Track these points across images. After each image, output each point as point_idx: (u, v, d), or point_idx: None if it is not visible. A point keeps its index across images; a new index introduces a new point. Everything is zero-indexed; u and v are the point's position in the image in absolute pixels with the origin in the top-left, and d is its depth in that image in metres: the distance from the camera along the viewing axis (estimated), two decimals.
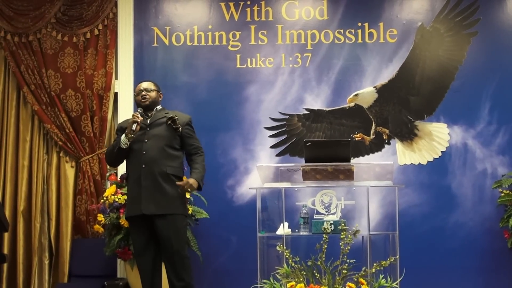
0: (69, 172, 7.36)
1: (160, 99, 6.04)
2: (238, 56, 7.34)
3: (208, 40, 7.37)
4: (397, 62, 7.23)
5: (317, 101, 7.27)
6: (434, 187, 7.15)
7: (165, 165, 5.72)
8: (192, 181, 5.69)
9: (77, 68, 7.33)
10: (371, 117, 7.24)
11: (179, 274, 5.63)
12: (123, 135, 5.77)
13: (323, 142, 6.77)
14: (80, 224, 7.30)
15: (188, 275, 5.66)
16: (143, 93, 5.91)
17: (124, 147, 5.78)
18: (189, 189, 5.75)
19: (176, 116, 5.83)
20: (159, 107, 6.00)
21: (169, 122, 5.79)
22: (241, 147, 7.23)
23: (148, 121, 5.86)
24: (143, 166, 5.72)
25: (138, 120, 5.73)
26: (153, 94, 5.95)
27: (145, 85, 5.97)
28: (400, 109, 7.23)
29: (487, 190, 7.12)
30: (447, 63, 7.22)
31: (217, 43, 7.36)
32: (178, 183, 5.69)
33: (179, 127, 5.82)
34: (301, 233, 6.28)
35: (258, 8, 7.36)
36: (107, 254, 6.72)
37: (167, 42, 7.38)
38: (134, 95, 6.07)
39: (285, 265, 5.70)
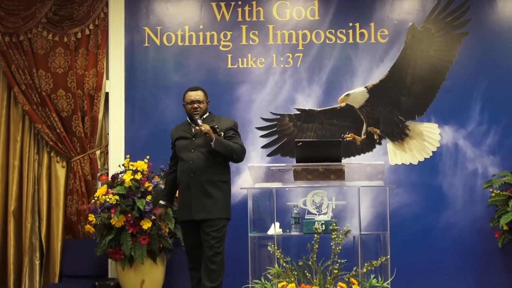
0: (60, 172, 7.35)
1: (207, 107, 6.30)
2: (229, 56, 7.34)
3: (199, 40, 7.37)
4: (388, 62, 7.24)
5: (308, 101, 7.27)
6: (425, 187, 7.16)
7: (212, 173, 6.05)
8: (208, 129, 5.97)
9: (68, 68, 7.31)
10: (362, 117, 7.24)
11: (212, 276, 5.92)
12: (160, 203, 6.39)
13: (314, 142, 6.78)
14: (71, 224, 7.29)
15: (221, 277, 6.00)
16: (195, 105, 6.20)
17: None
18: (203, 129, 5.97)
19: (216, 125, 6.05)
20: (206, 115, 6.26)
21: (206, 134, 6.00)
22: None
23: (193, 131, 6.17)
24: (192, 175, 6.07)
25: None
26: (203, 105, 6.25)
27: (196, 95, 6.25)
28: (391, 109, 7.24)
29: (477, 190, 7.14)
30: (438, 63, 7.23)
31: (208, 43, 7.36)
32: (200, 125, 6.01)
33: (221, 134, 6.06)
34: (292, 233, 6.29)
35: (249, 8, 7.37)
36: (98, 254, 6.72)
37: (158, 42, 7.38)
38: (184, 102, 6.28)
39: (276, 265, 5.71)
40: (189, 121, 6.26)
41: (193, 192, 6.04)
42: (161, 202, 6.37)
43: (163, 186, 6.65)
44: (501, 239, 6.88)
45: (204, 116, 6.22)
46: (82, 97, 7.32)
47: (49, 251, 7.30)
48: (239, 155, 6.12)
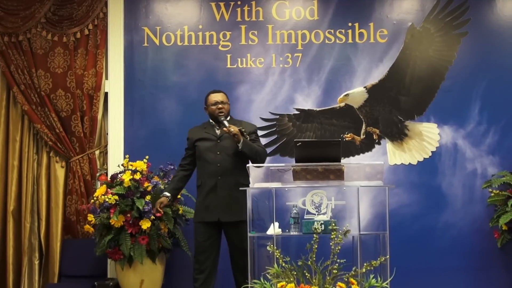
0: (59, 172, 7.34)
1: (229, 109, 6.51)
2: (228, 56, 7.34)
3: (198, 40, 7.36)
4: (388, 62, 7.24)
5: (307, 101, 7.27)
6: (424, 187, 7.16)
7: (239, 175, 6.21)
8: (237, 130, 6.14)
9: (67, 68, 7.31)
10: (362, 117, 7.24)
11: (246, 275, 5.95)
12: (164, 194, 6.47)
13: (314, 142, 6.77)
14: (70, 224, 7.28)
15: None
16: (220, 105, 6.39)
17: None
18: (232, 130, 6.14)
19: (243, 129, 6.22)
20: (228, 118, 6.40)
21: (235, 136, 6.15)
22: None
23: (218, 133, 6.36)
24: (219, 177, 6.25)
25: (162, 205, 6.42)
26: (227, 106, 6.44)
27: (220, 97, 6.45)
28: (391, 109, 7.24)
29: (477, 190, 7.14)
30: (437, 63, 7.23)
31: (207, 43, 7.36)
32: (228, 126, 6.19)
33: (247, 137, 6.23)
34: (292, 233, 6.27)
35: (249, 8, 7.36)
36: (98, 254, 6.71)
37: (157, 42, 7.37)
38: (206, 104, 6.47)
39: (275, 265, 5.70)
40: (212, 122, 6.41)
41: (220, 195, 6.22)
42: (166, 193, 6.44)
43: (162, 186, 6.64)
44: (500, 239, 6.88)
45: (228, 119, 6.36)
46: (81, 97, 7.32)
47: (48, 251, 7.30)
48: (262, 157, 6.33)
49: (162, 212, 6.47)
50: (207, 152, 6.32)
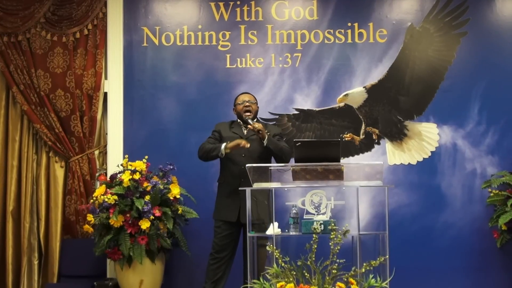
0: (59, 172, 7.34)
1: (257, 111, 6.60)
2: (228, 56, 7.34)
3: (198, 40, 7.36)
4: (387, 62, 7.25)
5: (307, 101, 7.27)
6: (424, 187, 7.17)
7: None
8: (261, 127, 6.28)
9: (66, 68, 7.31)
10: (361, 117, 7.25)
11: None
12: (223, 146, 6.31)
13: (313, 142, 6.77)
14: (69, 224, 7.28)
15: None
16: (247, 104, 6.50)
17: (220, 157, 6.38)
18: (256, 126, 6.27)
19: (267, 130, 6.36)
20: (255, 120, 6.45)
21: (260, 131, 6.27)
22: None
23: (245, 133, 6.48)
24: (242, 179, 6.23)
25: (246, 146, 6.29)
26: (254, 106, 6.55)
27: (248, 97, 6.56)
28: (390, 109, 7.24)
29: (476, 190, 7.14)
30: (436, 63, 7.24)
31: (207, 43, 7.36)
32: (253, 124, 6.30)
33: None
34: (291, 233, 6.27)
35: (248, 8, 7.36)
36: (97, 254, 6.71)
37: (157, 42, 7.37)
38: (235, 105, 6.58)
39: (275, 265, 5.70)
40: (239, 122, 6.52)
41: (242, 196, 6.16)
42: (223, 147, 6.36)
43: (161, 187, 6.64)
44: (500, 239, 6.88)
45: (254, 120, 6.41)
46: (81, 97, 7.32)
47: (47, 251, 7.30)
48: (287, 155, 6.43)
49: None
50: (234, 153, 6.36)
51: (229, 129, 6.55)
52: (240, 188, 6.05)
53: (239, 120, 6.57)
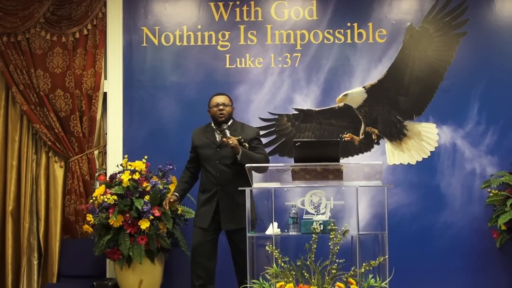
0: (58, 172, 7.34)
1: (232, 112, 6.44)
2: (227, 56, 7.34)
3: (197, 40, 7.37)
4: (386, 62, 7.25)
5: (306, 101, 7.27)
6: (423, 187, 7.17)
7: (238, 184, 6.08)
8: (236, 143, 6.09)
9: (66, 68, 7.31)
10: (361, 117, 7.25)
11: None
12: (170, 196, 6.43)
13: (313, 142, 6.77)
14: (69, 224, 7.28)
15: None
16: (221, 107, 6.32)
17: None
18: (230, 142, 6.09)
19: (241, 139, 6.16)
20: (230, 121, 6.34)
21: (234, 148, 6.11)
22: None
23: (218, 140, 6.32)
24: (219, 187, 6.24)
25: (171, 200, 6.40)
26: (228, 109, 6.37)
27: (222, 99, 6.38)
28: (389, 109, 7.24)
29: (475, 190, 7.14)
30: (436, 63, 7.24)
31: (206, 43, 7.36)
32: (228, 137, 6.13)
33: (246, 147, 6.16)
34: (291, 233, 6.27)
35: (248, 8, 7.36)
36: (96, 254, 6.71)
37: (156, 42, 7.37)
38: (209, 107, 6.40)
39: (274, 265, 5.70)
40: (213, 126, 6.38)
41: (220, 204, 6.21)
42: (176, 193, 6.43)
43: (161, 186, 6.64)
44: (499, 239, 6.89)
45: (229, 123, 6.30)
46: (80, 97, 7.32)
47: (47, 251, 7.30)
48: (256, 158, 6.24)
49: (168, 208, 6.47)
50: (207, 160, 6.33)
51: (203, 134, 6.44)
52: (240, 188, 6.03)
53: (212, 124, 6.44)
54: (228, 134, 6.16)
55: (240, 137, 6.18)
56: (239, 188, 6.04)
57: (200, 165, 6.46)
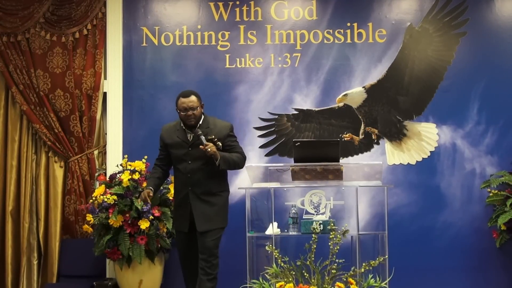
0: (58, 172, 7.34)
1: (202, 111, 6.00)
2: (227, 56, 7.34)
3: (197, 40, 7.37)
4: (386, 62, 7.25)
5: (306, 101, 7.27)
6: (423, 187, 7.17)
7: (211, 185, 5.90)
8: (214, 150, 5.74)
9: (66, 68, 7.31)
10: (360, 117, 7.25)
11: (210, 274, 5.84)
12: (145, 189, 6.02)
13: (312, 142, 6.78)
14: (69, 224, 7.28)
15: (216, 271, 5.90)
16: (189, 112, 5.88)
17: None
18: (209, 150, 5.73)
19: (214, 138, 5.83)
20: (201, 120, 5.98)
21: (210, 154, 5.79)
22: None
23: (190, 139, 5.93)
24: (190, 188, 5.91)
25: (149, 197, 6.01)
26: (197, 112, 5.92)
27: (189, 102, 5.90)
28: (389, 109, 7.25)
29: (475, 190, 7.14)
30: (436, 63, 7.24)
31: (206, 43, 7.36)
32: (205, 145, 5.76)
33: (219, 146, 5.84)
34: (290, 233, 6.29)
35: (247, 8, 7.37)
36: (96, 254, 6.71)
37: (156, 42, 7.38)
38: (177, 109, 5.95)
39: (274, 265, 5.71)
40: (183, 127, 6.00)
41: (192, 205, 5.90)
42: (150, 187, 6.05)
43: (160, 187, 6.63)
44: (499, 239, 6.89)
45: (200, 122, 5.96)
46: (80, 97, 7.32)
47: (47, 251, 7.30)
48: (241, 166, 6.05)
49: (150, 202, 6.21)
50: (179, 160, 5.99)
51: (174, 132, 6.05)
52: (239, 188, 6.02)
53: (182, 125, 6.03)
54: (205, 141, 5.80)
55: (213, 136, 5.84)
56: (239, 188, 6.02)
57: (171, 163, 6.16)
